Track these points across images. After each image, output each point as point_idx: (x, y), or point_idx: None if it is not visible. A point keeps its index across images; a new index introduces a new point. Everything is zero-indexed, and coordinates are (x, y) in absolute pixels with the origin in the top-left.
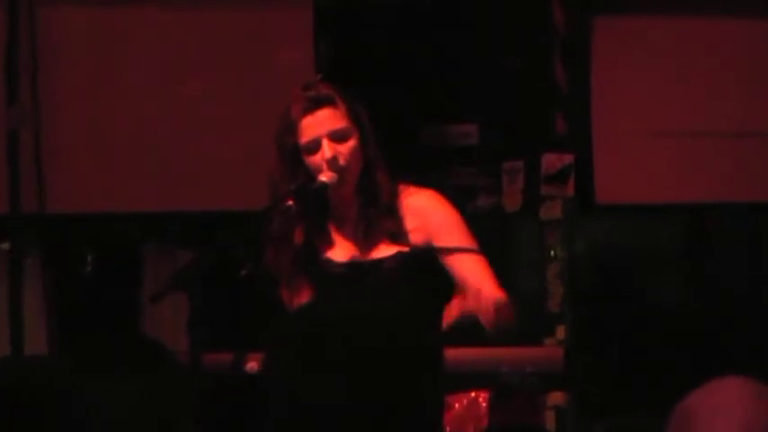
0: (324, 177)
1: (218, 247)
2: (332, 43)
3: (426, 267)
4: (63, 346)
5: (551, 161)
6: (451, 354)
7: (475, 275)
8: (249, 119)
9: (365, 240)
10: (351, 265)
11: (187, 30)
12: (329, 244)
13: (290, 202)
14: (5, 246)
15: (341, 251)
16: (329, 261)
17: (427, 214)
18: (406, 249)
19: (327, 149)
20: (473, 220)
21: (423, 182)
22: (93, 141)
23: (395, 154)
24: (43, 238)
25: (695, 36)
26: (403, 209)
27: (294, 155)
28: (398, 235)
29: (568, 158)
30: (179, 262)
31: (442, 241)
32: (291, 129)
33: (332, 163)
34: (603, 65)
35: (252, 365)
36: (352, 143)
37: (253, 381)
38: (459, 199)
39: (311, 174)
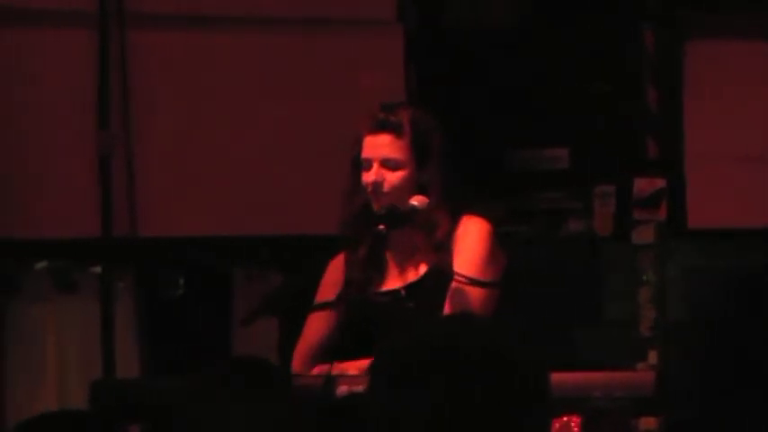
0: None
1: (308, 272)
2: (420, 68)
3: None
4: (155, 369)
5: (643, 185)
6: None
7: (452, 306)
8: (338, 144)
9: (410, 269)
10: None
11: (278, 54)
12: (383, 272)
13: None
14: (97, 269)
15: (390, 279)
16: (375, 291)
17: (460, 241)
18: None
19: (373, 173)
20: (564, 245)
21: (511, 207)
22: (185, 165)
23: (480, 179)
24: (135, 262)
25: None
26: (454, 238)
27: (356, 165)
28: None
29: (660, 183)
30: (270, 286)
31: (456, 265)
32: (358, 140)
33: (375, 187)
34: (696, 89)
35: (343, 389)
36: (401, 174)
37: (344, 406)
38: (550, 223)
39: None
